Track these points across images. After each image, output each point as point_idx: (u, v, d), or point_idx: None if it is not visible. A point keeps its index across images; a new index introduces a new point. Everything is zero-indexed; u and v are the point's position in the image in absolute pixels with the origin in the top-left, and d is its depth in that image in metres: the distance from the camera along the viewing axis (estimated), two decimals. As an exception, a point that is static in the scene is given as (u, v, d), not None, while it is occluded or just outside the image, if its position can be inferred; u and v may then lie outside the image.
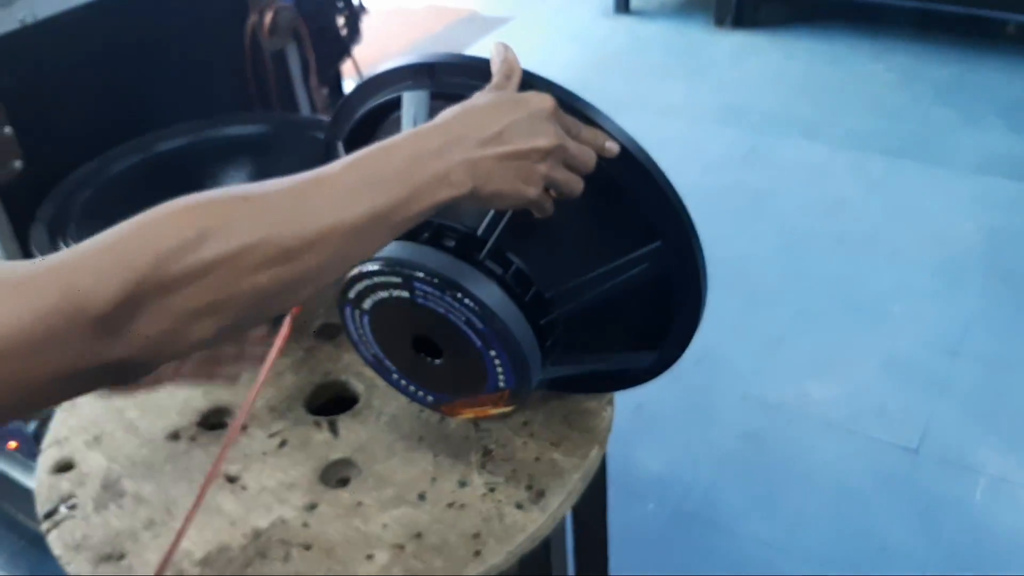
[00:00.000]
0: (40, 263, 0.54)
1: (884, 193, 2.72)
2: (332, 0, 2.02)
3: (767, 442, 1.94)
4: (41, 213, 1.19)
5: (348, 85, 2.24)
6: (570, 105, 0.80)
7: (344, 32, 2.09)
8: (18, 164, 1.24)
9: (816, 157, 2.91)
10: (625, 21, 3.99)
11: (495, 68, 0.77)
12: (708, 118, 3.16)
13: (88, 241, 0.56)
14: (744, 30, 3.76)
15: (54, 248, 1.13)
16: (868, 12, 3.78)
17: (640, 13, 4.03)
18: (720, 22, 3.83)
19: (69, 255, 0.54)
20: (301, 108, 1.63)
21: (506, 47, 0.79)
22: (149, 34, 1.38)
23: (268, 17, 1.45)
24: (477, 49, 3.90)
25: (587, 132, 0.78)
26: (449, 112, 0.68)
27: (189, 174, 1.31)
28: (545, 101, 0.71)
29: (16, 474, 1.70)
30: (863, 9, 3.79)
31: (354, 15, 2.13)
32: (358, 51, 2.15)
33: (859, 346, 2.18)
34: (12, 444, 1.65)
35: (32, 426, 1.44)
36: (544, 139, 0.69)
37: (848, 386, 2.06)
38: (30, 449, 1.63)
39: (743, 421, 1.97)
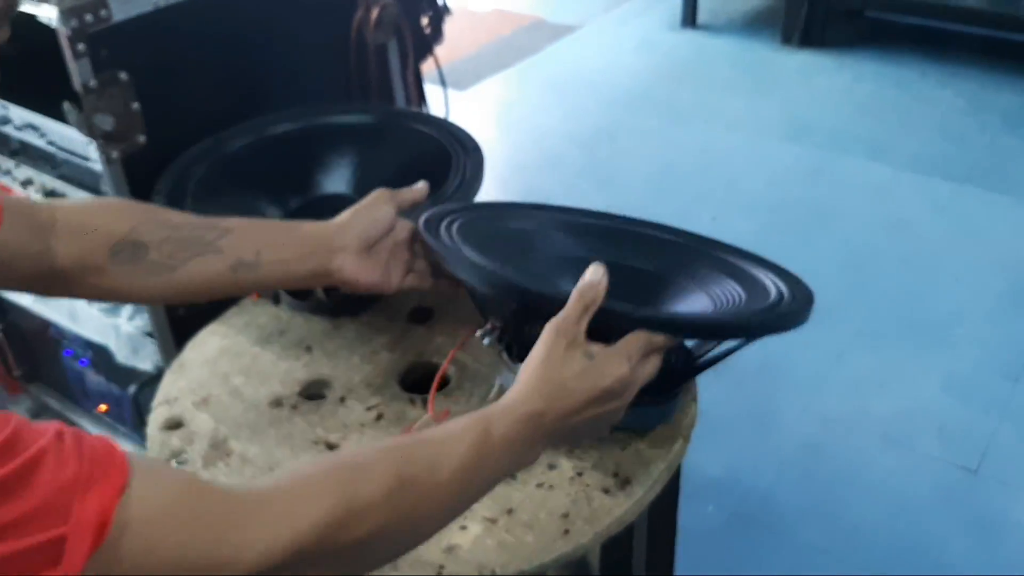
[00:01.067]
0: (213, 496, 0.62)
1: (948, 217, 2.73)
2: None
3: (826, 453, 1.96)
4: (160, 186, 1.26)
5: (428, 86, 2.31)
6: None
7: (428, 31, 2.15)
8: (142, 138, 1.30)
9: (880, 178, 2.92)
10: (692, 35, 4.03)
11: (579, 294, 0.85)
12: (773, 134, 3.18)
13: (250, 491, 0.65)
14: (811, 49, 3.78)
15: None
16: (937, 37, 3.78)
17: (707, 27, 4.07)
18: (787, 40, 3.85)
19: (239, 504, 0.62)
20: (397, 100, 1.69)
21: (602, 274, 0.86)
22: (265, 22, 1.45)
23: (374, 12, 1.51)
24: (543, 56, 3.95)
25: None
26: (540, 395, 0.80)
27: (298, 157, 1.37)
28: (626, 378, 0.82)
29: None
30: (932, 34, 3.79)
31: (438, 15, 2.19)
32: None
33: (920, 365, 2.19)
34: (103, 407, 1.73)
35: (132, 389, 1.50)
36: (619, 402, 0.83)
37: (908, 403, 2.08)
38: (120, 413, 1.70)
39: (803, 431, 2.00)
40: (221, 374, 1.23)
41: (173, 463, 1.10)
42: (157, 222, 0.93)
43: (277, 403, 1.18)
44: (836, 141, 3.12)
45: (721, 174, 2.97)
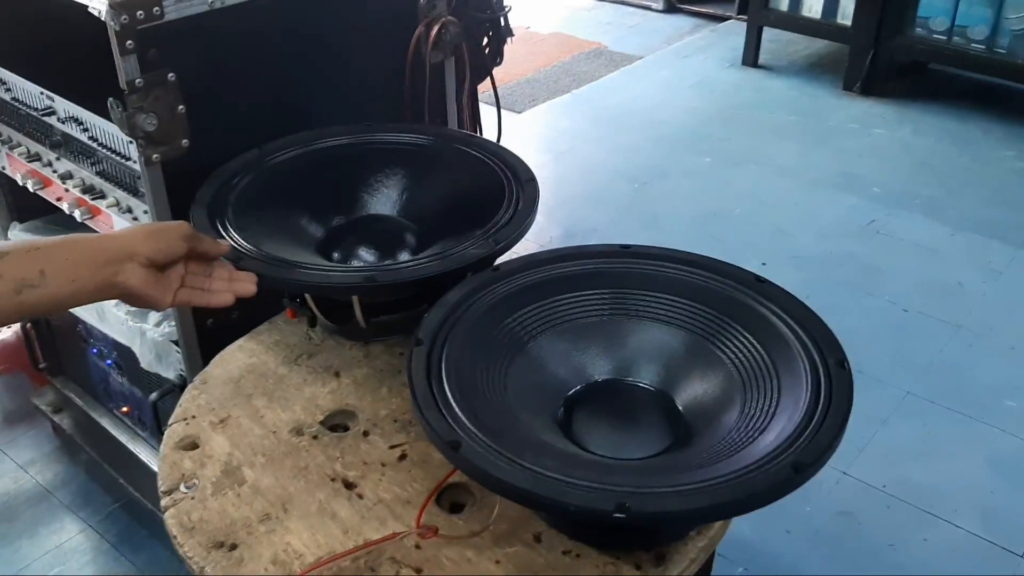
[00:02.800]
0: None
1: (1004, 284, 2.63)
2: (480, 20, 2.04)
3: (862, 524, 1.87)
4: (200, 195, 1.22)
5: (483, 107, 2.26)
6: None
7: (487, 51, 2.11)
8: (185, 142, 1.26)
9: (935, 238, 2.83)
10: (752, 75, 3.96)
11: None
12: (827, 183, 3.10)
13: None
14: (872, 98, 3.69)
15: (213, 230, 1.15)
16: (1002, 95, 3.68)
17: (768, 68, 3.99)
18: (849, 87, 3.76)
19: None
20: (450, 121, 1.64)
21: None
22: (320, 33, 1.41)
23: (435, 30, 1.47)
24: (600, 86, 3.90)
25: None
26: None
27: (345, 174, 1.32)
28: None
29: (123, 438, 1.73)
30: (996, 91, 3.70)
31: (499, 37, 2.14)
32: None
33: (967, 438, 2.10)
34: (125, 408, 1.69)
35: (153, 396, 1.46)
36: None
37: (952, 478, 1.99)
38: (140, 417, 1.66)
39: (839, 499, 1.92)
40: (244, 395, 1.18)
41: (182, 487, 1.05)
42: None
43: (297, 431, 1.13)
44: (891, 195, 3.03)
45: (771, 221, 2.89)
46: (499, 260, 1.14)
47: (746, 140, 3.41)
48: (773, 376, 0.96)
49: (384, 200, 1.33)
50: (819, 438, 0.87)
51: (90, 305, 1.56)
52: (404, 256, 1.27)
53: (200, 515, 1.01)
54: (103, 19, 1.15)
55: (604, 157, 3.31)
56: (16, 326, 1.88)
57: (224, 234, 1.14)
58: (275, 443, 1.11)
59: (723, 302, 1.05)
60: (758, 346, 0.98)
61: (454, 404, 0.88)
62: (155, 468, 1.70)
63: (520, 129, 3.49)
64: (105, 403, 1.81)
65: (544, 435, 0.93)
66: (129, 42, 1.17)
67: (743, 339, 1.00)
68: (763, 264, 2.65)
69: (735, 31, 4.24)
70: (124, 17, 1.15)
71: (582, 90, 3.89)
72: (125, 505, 1.87)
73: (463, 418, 0.87)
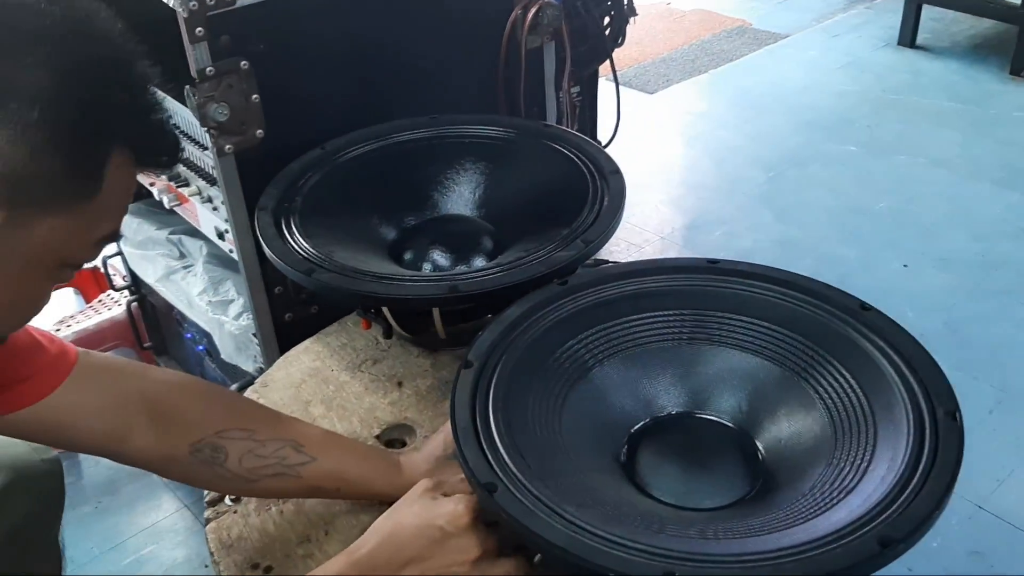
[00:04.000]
0: None
1: None
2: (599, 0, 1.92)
3: (995, 567, 1.68)
4: (268, 194, 1.16)
5: (603, 86, 2.14)
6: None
7: (608, 32, 1.99)
8: (259, 133, 1.21)
9: (1110, 243, 2.53)
10: (909, 56, 3.66)
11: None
12: (985, 177, 2.82)
13: None
14: (1044, 85, 3.36)
15: (279, 235, 1.09)
16: None
17: (927, 49, 3.68)
18: (1017, 72, 3.42)
19: None
20: (548, 110, 1.54)
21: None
22: (404, 16, 1.33)
23: (531, 12, 1.37)
24: (741, 65, 3.69)
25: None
26: (376, 540, 0.80)
27: (420, 170, 1.25)
28: (460, 519, 0.79)
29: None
30: None
31: (621, 17, 2.02)
32: (620, 50, 2.04)
33: None
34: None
35: (233, 388, 1.43)
36: (460, 555, 0.79)
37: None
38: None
39: (972, 536, 1.72)
40: (302, 401, 1.13)
41: (227, 499, 1.00)
42: (245, 430, 0.91)
43: (351, 445, 1.06)
44: (1061, 194, 2.74)
45: (918, 217, 2.65)
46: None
47: (897, 127, 3.15)
48: (870, 424, 0.82)
49: (460, 199, 1.24)
50: (915, 507, 0.73)
51: (180, 292, 1.55)
52: (480, 260, 1.18)
53: (240, 531, 0.96)
54: (171, 5, 1.11)
55: (740, 143, 3.12)
56: (124, 304, 1.91)
57: (292, 241, 1.08)
58: (326, 457, 1.05)
59: (819, 332, 0.91)
60: (856, 387, 0.85)
61: (497, 439, 0.78)
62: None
63: (651, 111, 3.33)
64: (202, 386, 1.81)
65: (600, 475, 0.83)
66: (199, 29, 1.12)
67: (839, 377, 0.86)
68: (904, 266, 2.43)
69: (892, 8, 3.92)
70: (193, 3, 1.10)
71: (721, 70, 3.69)
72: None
73: (505, 456, 0.77)
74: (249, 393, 1.15)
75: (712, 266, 1.01)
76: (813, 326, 0.91)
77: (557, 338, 0.93)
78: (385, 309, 1.11)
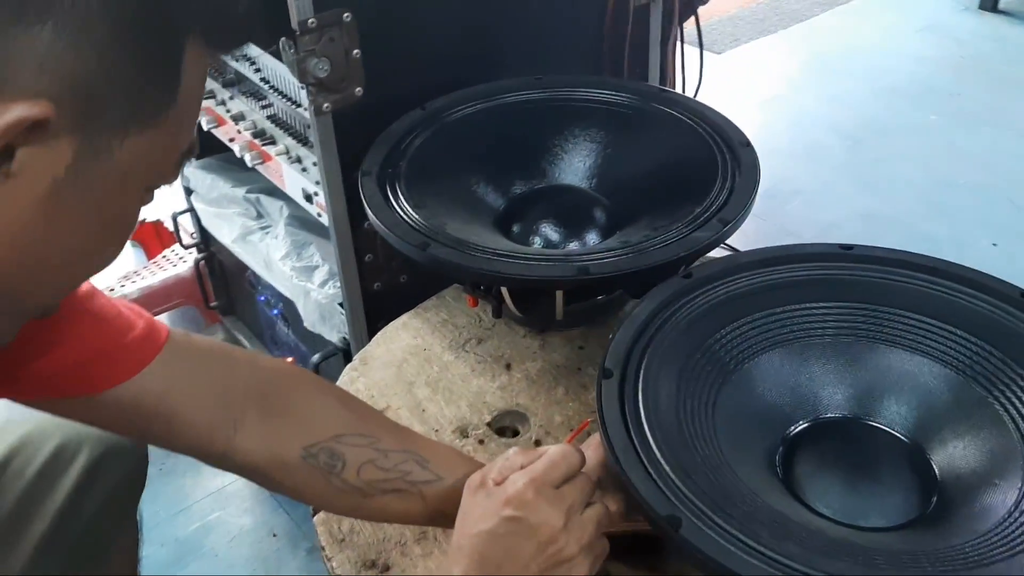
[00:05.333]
0: None
1: None
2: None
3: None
4: (371, 157, 1.08)
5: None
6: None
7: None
8: (359, 91, 1.13)
9: None
10: (991, 20, 3.49)
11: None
12: (1078, 153, 2.69)
13: None
14: None
15: (386, 203, 1.01)
16: None
17: (1010, 14, 3.51)
18: (1110, 40, 3.27)
19: None
20: (651, 74, 1.44)
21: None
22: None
23: (645, -31, 1.27)
24: (813, 25, 3.55)
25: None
26: (463, 563, 0.69)
27: (531, 135, 1.16)
28: (524, 497, 0.69)
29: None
30: None
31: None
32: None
33: None
34: (290, 359, 1.61)
35: (315, 358, 1.37)
36: (546, 532, 0.68)
37: None
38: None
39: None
40: (405, 381, 1.06)
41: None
42: (365, 437, 0.79)
43: (462, 432, 0.99)
44: None
45: (1009, 193, 2.52)
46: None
47: (981, 96, 3.01)
48: None
49: (573, 169, 1.15)
50: None
51: (257, 253, 1.48)
52: (592, 235, 1.09)
53: (352, 525, 0.89)
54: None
55: (815, 107, 3.00)
56: (191, 261, 1.84)
57: (400, 210, 0.99)
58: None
59: (1005, 337, 0.82)
60: None
61: (662, 460, 0.70)
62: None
63: (719, 72, 3.19)
64: (272, 350, 1.75)
65: (766, 489, 0.75)
66: (303, -24, 1.03)
67: None
68: (994, 244, 2.32)
69: (974, -31, 3.76)
70: (298, -52, 1.02)
71: (791, 30, 3.54)
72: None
73: (675, 479, 0.69)
74: (348, 371, 1.08)
75: (846, 252, 0.93)
76: (996, 329, 0.82)
77: (696, 337, 0.84)
78: (504, 289, 1.03)
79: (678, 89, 2.02)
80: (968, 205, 2.49)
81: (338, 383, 1.07)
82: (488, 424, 1.00)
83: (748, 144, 1.08)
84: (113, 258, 0.61)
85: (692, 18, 1.79)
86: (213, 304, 1.87)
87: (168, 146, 0.57)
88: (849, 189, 2.57)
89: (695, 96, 1.95)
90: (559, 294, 1.00)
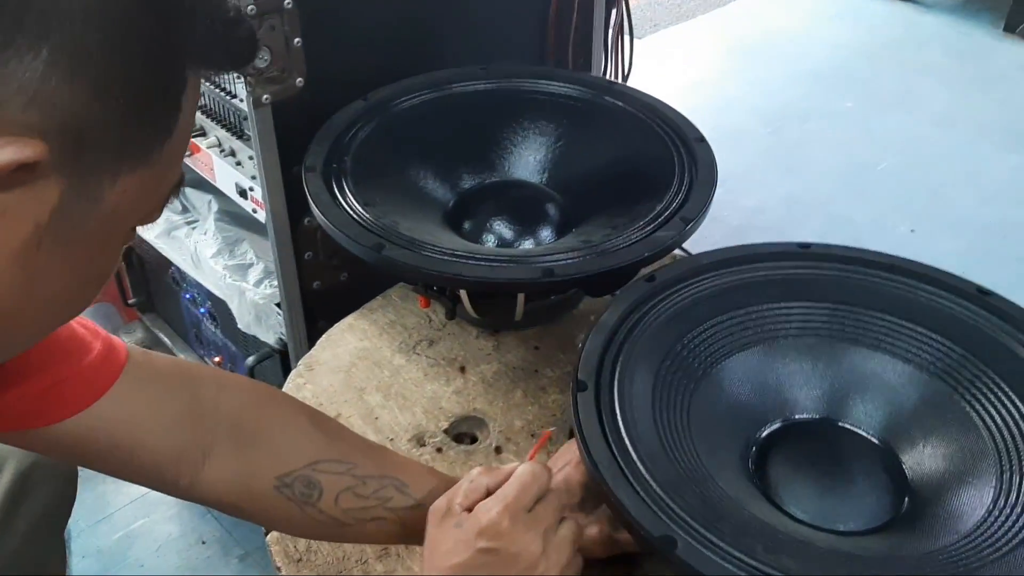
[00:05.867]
0: None
1: None
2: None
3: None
4: (314, 149, 1.02)
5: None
6: None
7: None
8: (300, 82, 1.07)
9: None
10: (900, 8, 3.57)
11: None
12: (990, 139, 2.76)
13: None
14: (1037, 42, 3.31)
15: (331, 198, 0.97)
16: None
17: (919, 2, 3.60)
18: (1011, 28, 3.37)
19: None
20: (594, 64, 1.41)
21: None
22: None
23: (591, -44, 1.24)
24: (731, 11, 3.58)
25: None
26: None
27: (480, 127, 1.12)
28: (499, 527, 0.66)
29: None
30: None
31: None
32: None
33: None
34: (217, 359, 1.55)
35: (250, 360, 1.31)
36: (525, 559, 0.66)
37: None
38: (233, 371, 1.52)
39: None
40: (355, 388, 1.01)
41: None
42: (342, 463, 0.74)
43: (419, 440, 0.95)
44: (1063, 156, 2.70)
45: (924, 179, 2.59)
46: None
47: (894, 82, 3.08)
48: None
49: (525, 163, 1.12)
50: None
51: (184, 250, 1.41)
52: (547, 232, 1.06)
53: (308, 544, 0.85)
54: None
55: (737, 94, 3.02)
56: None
57: (349, 208, 0.95)
58: (392, 454, 0.93)
59: (965, 334, 0.82)
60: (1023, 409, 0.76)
61: (648, 477, 0.68)
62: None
63: (642, 57, 3.20)
64: (196, 349, 1.67)
65: (747, 497, 0.73)
66: (241, -40, 0.97)
67: (1002, 396, 0.77)
68: (912, 231, 2.38)
69: (884, -43, 3.85)
70: (236, -71, 0.95)
71: (710, 15, 3.57)
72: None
73: (663, 496, 0.66)
74: (294, 377, 1.03)
75: (804, 250, 0.92)
76: (961, 329, 0.82)
77: (664, 343, 0.82)
78: (464, 293, 0.99)
79: (610, 75, 2.01)
80: (886, 190, 2.54)
81: (286, 388, 1.02)
82: (445, 431, 0.96)
83: (703, 139, 1.07)
84: (90, 304, 0.56)
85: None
86: (131, 301, 1.78)
87: (159, 183, 0.53)
88: (772, 174, 2.61)
89: (625, 82, 1.95)
90: (521, 296, 0.97)
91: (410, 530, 0.74)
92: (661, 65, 3.19)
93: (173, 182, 0.54)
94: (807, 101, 2.96)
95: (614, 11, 1.41)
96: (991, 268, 2.24)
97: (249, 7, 1.00)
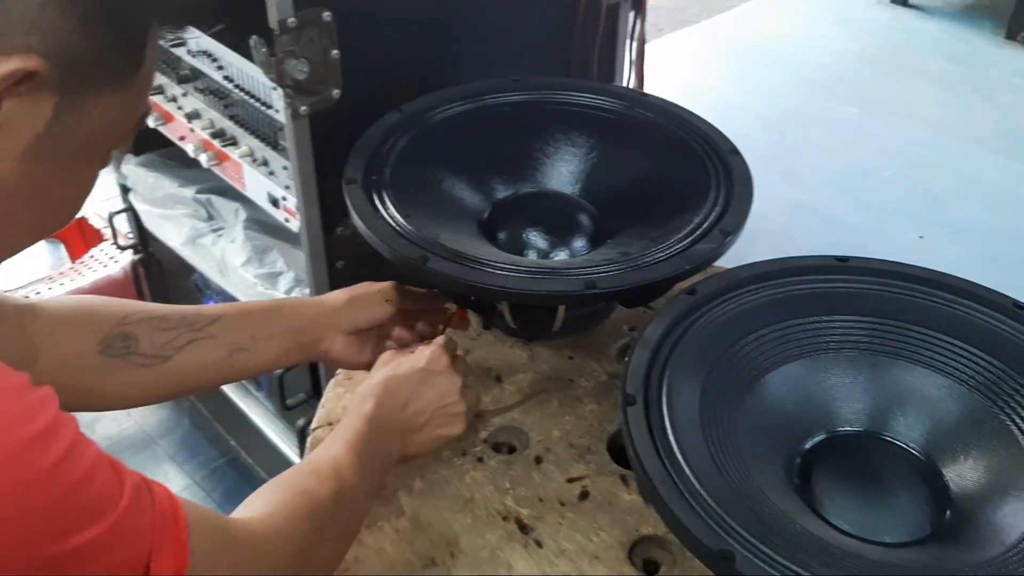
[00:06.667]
0: None
1: None
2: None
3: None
4: (351, 172, 1.02)
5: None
6: None
7: None
8: (336, 93, 1.08)
9: (1114, 216, 2.53)
10: (901, 14, 3.61)
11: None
12: (989, 145, 2.80)
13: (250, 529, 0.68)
14: (1036, 49, 3.35)
15: (373, 210, 0.97)
16: None
17: (920, 8, 3.64)
18: (1012, 35, 3.41)
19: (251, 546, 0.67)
20: (617, 76, 1.43)
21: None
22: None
23: (620, -30, 1.25)
24: (733, 16, 3.60)
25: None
26: (375, 395, 0.85)
27: (516, 139, 1.13)
28: (440, 360, 0.89)
29: (234, 396, 1.60)
30: None
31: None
32: None
33: None
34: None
35: (277, 371, 1.31)
36: (450, 387, 0.89)
37: None
38: (257, 379, 1.53)
39: None
40: (395, 397, 1.02)
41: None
42: (144, 312, 0.87)
43: (461, 450, 0.96)
44: (1062, 163, 2.73)
45: (927, 185, 2.62)
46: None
47: (895, 88, 3.11)
48: None
49: (559, 175, 1.13)
50: None
51: (211, 257, 1.41)
52: (581, 243, 1.07)
53: (354, 553, 0.86)
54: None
55: (739, 99, 3.05)
56: (125, 262, 1.75)
57: (391, 220, 0.95)
58: (435, 462, 0.95)
59: (1004, 348, 0.84)
60: None
61: (702, 491, 0.69)
62: (264, 430, 1.57)
63: (647, 63, 3.23)
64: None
65: (795, 510, 0.75)
66: (283, -27, 0.98)
67: None
68: (920, 237, 2.40)
69: (884, -37, 3.88)
70: (279, -56, 0.96)
71: (713, 21, 3.60)
72: (232, 461, 1.76)
73: (717, 510, 0.68)
74: (333, 387, 1.04)
75: (842, 264, 0.94)
76: (999, 343, 0.84)
77: (710, 356, 0.84)
78: (506, 305, 1.00)
79: (632, 85, 2.03)
80: (889, 197, 2.57)
81: (323, 400, 1.03)
82: (485, 440, 0.97)
83: (736, 152, 1.08)
84: (70, 220, 0.66)
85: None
86: (149, 305, 1.79)
87: (131, 109, 0.63)
88: (773, 180, 2.62)
89: (639, 88, 1.97)
90: (561, 308, 0.98)
91: (230, 343, 0.88)
92: (664, 71, 3.21)
93: (143, 111, 0.65)
94: (809, 107, 2.99)
95: (638, 22, 1.42)
96: (998, 275, 2.26)
97: (290, 20, 1.01)
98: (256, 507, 0.71)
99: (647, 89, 1.43)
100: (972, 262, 2.29)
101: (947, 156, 2.75)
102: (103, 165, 0.64)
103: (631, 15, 1.37)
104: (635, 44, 1.45)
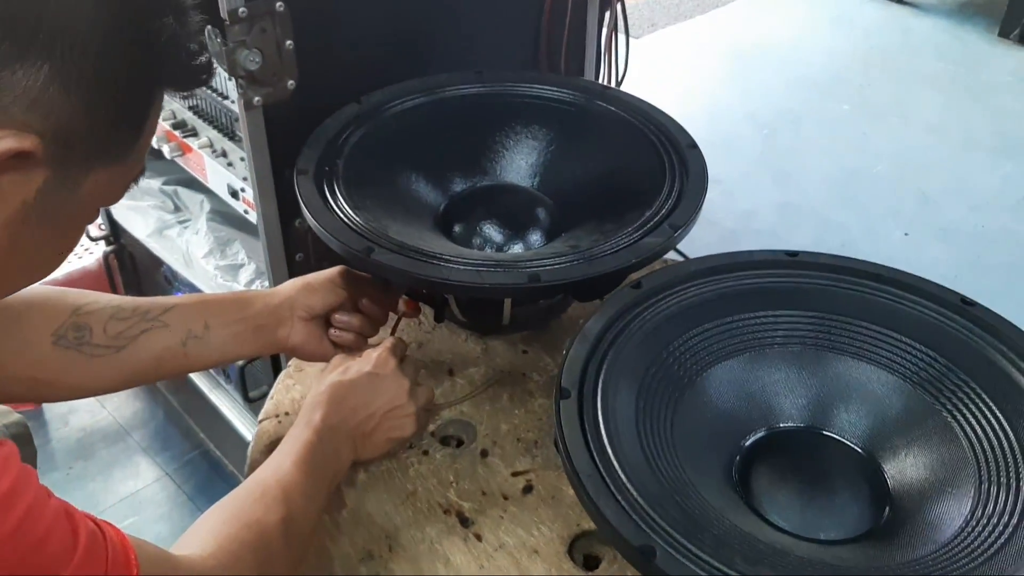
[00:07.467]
0: None
1: None
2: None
3: None
4: (303, 163, 1.02)
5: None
6: None
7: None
8: (291, 84, 1.08)
9: (1104, 217, 2.51)
10: (896, 11, 3.59)
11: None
12: (979, 146, 2.77)
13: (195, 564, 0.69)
14: (1032, 49, 3.32)
15: (323, 202, 0.97)
16: None
17: (914, 6, 3.61)
18: (1006, 34, 3.38)
19: None
20: (587, 69, 1.42)
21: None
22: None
23: (585, -38, 1.24)
24: (727, 13, 3.58)
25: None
26: (323, 403, 0.86)
27: (473, 131, 1.12)
28: (387, 363, 0.90)
29: (204, 386, 1.60)
30: None
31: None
32: None
33: None
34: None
35: (240, 362, 1.31)
36: (398, 389, 0.89)
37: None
38: (224, 368, 1.52)
39: None
40: (343, 390, 1.01)
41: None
42: (98, 303, 0.87)
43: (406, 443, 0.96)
44: (1058, 164, 2.71)
45: (916, 185, 2.60)
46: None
47: (888, 88, 3.09)
48: (1020, 466, 0.74)
49: (517, 168, 1.12)
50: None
51: (175, 248, 1.41)
52: (536, 236, 1.07)
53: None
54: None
55: (732, 98, 3.03)
56: (98, 254, 1.75)
57: (340, 212, 0.95)
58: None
59: (948, 344, 0.83)
60: (1003, 420, 0.76)
61: (630, 486, 0.68)
62: (235, 423, 1.57)
63: (639, 58, 3.20)
64: (188, 347, 1.67)
65: (729, 507, 0.74)
66: (233, -38, 0.98)
67: (982, 407, 0.78)
68: (905, 235, 2.39)
69: (880, -39, 3.86)
70: (228, -68, 0.96)
71: (708, 17, 3.58)
72: (204, 454, 1.75)
73: (644, 506, 0.67)
74: (283, 379, 1.03)
75: (792, 259, 0.93)
76: (944, 339, 0.83)
77: (650, 351, 0.83)
78: (452, 298, 0.99)
79: (603, 77, 2.02)
80: (879, 196, 2.55)
81: (273, 391, 1.03)
82: (432, 433, 0.97)
83: (694, 146, 1.07)
84: (55, 268, 0.67)
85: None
86: (123, 298, 1.78)
87: (125, 175, 0.64)
88: (765, 181, 2.61)
89: (620, 84, 1.96)
90: (507, 301, 0.97)
91: (184, 330, 0.88)
92: (657, 68, 3.20)
93: (137, 173, 0.66)
94: (802, 106, 2.97)
95: (607, 13, 1.41)
96: (980, 275, 2.26)
97: (240, 10, 1.00)
98: (202, 540, 0.71)
99: (634, 85, 1.42)
100: (959, 262, 2.27)
101: (937, 156, 2.73)
102: (91, 221, 0.67)
103: (598, 6, 1.35)
104: (605, 37, 1.44)
